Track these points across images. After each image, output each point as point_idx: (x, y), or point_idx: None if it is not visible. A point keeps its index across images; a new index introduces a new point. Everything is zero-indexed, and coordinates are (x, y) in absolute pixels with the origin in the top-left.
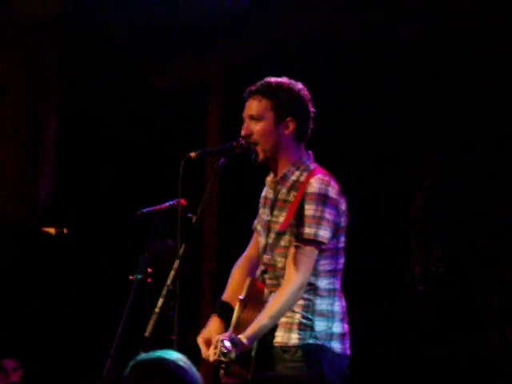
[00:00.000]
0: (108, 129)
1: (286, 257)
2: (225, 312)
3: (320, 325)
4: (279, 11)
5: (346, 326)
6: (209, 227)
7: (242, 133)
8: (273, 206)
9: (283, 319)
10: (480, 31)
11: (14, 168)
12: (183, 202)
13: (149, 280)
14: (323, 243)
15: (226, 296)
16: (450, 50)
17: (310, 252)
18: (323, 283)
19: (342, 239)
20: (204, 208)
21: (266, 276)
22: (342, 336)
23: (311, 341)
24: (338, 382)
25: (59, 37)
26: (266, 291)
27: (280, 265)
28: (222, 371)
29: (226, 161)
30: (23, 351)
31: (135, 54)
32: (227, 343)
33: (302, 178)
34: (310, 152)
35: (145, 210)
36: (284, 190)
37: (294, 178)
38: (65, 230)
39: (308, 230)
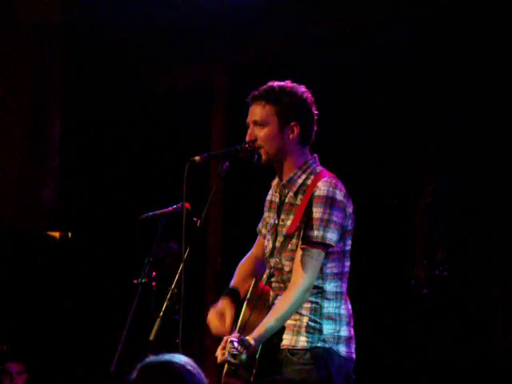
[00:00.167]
0: (112, 132)
1: (292, 260)
2: (234, 296)
3: (328, 328)
4: (284, 14)
5: (352, 329)
6: (213, 231)
7: (247, 139)
8: (279, 209)
9: (290, 322)
10: (480, 32)
11: (18, 172)
12: (188, 205)
13: (153, 284)
14: (330, 246)
15: (234, 284)
16: (453, 51)
17: (317, 255)
18: (330, 286)
19: (349, 242)
20: (208, 212)
21: (273, 279)
22: (349, 339)
23: (319, 344)
24: None
25: (62, 40)
26: (272, 294)
27: (287, 268)
28: (225, 372)
29: (231, 164)
30: (28, 355)
31: (140, 57)
32: (237, 345)
33: (309, 182)
34: (315, 155)
35: (149, 214)
36: (291, 194)
37: (300, 181)
38: (69, 234)
39: (316, 233)
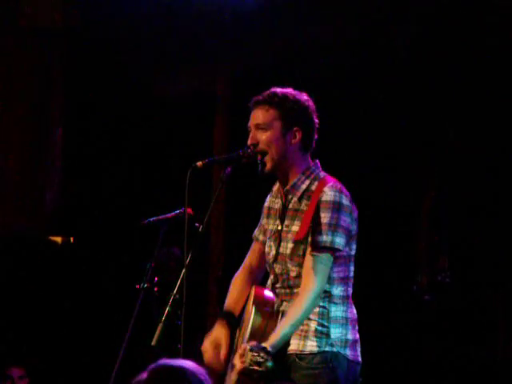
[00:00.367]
0: (114, 137)
1: (300, 265)
2: (229, 320)
3: (335, 332)
4: (285, 17)
5: (357, 333)
6: (215, 236)
7: (249, 142)
8: (283, 215)
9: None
10: (481, 31)
11: (20, 176)
12: (190, 210)
13: (155, 289)
14: (339, 250)
15: (229, 304)
16: (454, 53)
17: (327, 259)
18: (337, 290)
19: (354, 247)
20: (210, 217)
21: (277, 286)
22: (355, 343)
23: (327, 348)
24: None
25: (64, 45)
26: (276, 300)
27: (293, 274)
28: (235, 380)
29: (233, 170)
30: (30, 360)
31: (141, 60)
32: (262, 352)
33: (313, 187)
34: (317, 161)
35: (151, 219)
36: (295, 199)
37: (304, 186)
38: (71, 239)
39: (325, 238)
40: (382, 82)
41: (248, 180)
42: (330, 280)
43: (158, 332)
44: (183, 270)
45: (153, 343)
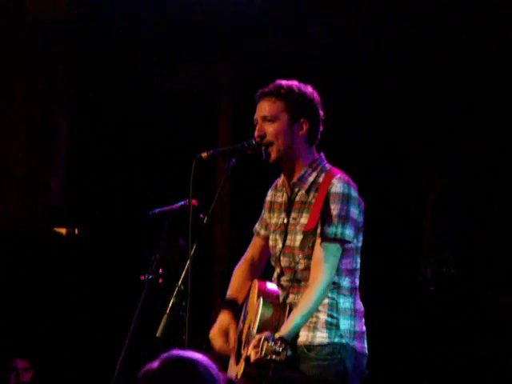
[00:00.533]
0: (119, 130)
1: (309, 258)
2: (233, 309)
3: (344, 323)
4: (290, 14)
5: (364, 325)
6: (220, 227)
7: (256, 134)
8: (289, 208)
9: None
10: (482, 31)
11: (25, 169)
12: (194, 202)
13: (160, 280)
14: (348, 242)
15: (231, 294)
16: (458, 48)
17: (336, 251)
18: (345, 282)
19: (361, 238)
20: (215, 208)
21: (283, 278)
22: (363, 335)
23: (336, 339)
24: (359, 382)
25: (70, 39)
26: (282, 293)
27: (301, 266)
28: (242, 372)
29: (238, 161)
30: (34, 352)
31: (146, 56)
32: (280, 343)
33: (321, 179)
34: (322, 153)
35: (156, 211)
36: (302, 192)
37: (311, 179)
38: (76, 231)
39: (335, 230)
40: (383, 75)
41: (253, 171)
42: (338, 272)
43: (162, 323)
44: (188, 262)
45: (157, 334)
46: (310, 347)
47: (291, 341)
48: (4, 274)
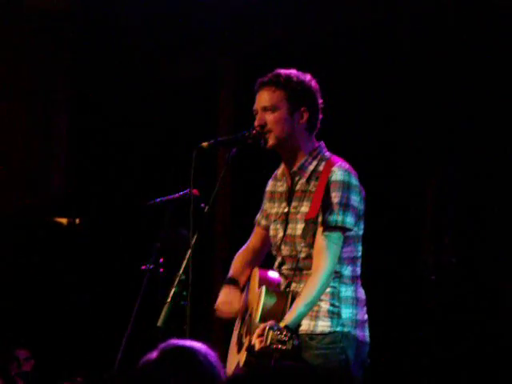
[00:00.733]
0: (120, 119)
1: (310, 246)
2: (235, 285)
3: (346, 312)
4: (290, 3)
5: (366, 314)
6: (221, 217)
7: (256, 123)
8: (290, 197)
9: None
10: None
11: (26, 159)
12: (195, 191)
13: (161, 270)
14: (350, 230)
15: (232, 274)
16: (459, 45)
17: (338, 239)
18: (347, 271)
19: (362, 226)
20: (216, 198)
21: (285, 267)
22: (365, 323)
23: (338, 328)
24: (361, 370)
25: (71, 31)
26: (283, 282)
27: (303, 255)
28: (244, 360)
29: (238, 150)
30: (35, 341)
31: (147, 44)
32: (285, 332)
33: (321, 168)
34: (322, 142)
35: (157, 200)
36: (303, 181)
37: (311, 167)
38: (77, 221)
39: (336, 217)
40: (384, 69)
41: (254, 160)
42: (339, 260)
43: (163, 313)
44: (189, 251)
45: (159, 324)
46: (311, 336)
47: (295, 330)
48: (5, 264)
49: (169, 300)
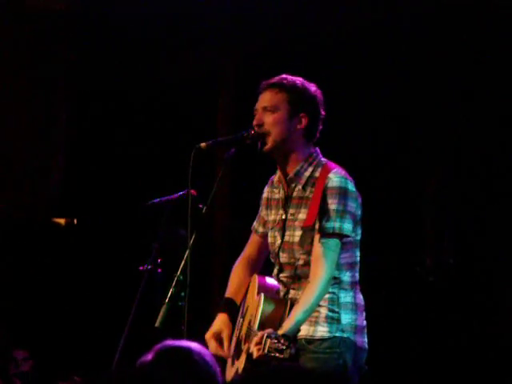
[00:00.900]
0: (119, 119)
1: (308, 253)
2: (231, 309)
3: (346, 318)
4: (291, 3)
5: (365, 320)
6: (219, 217)
7: (254, 122)
8: (286, 204)
9: None
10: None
11: (24, 159)
12: (193, 192)
13: (159, 270)
14: (347, 236)
15: (230, 293)
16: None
17: (335, 246)
18: (346, 276)
19: (359, 232)
20: (214, 198)
21: (283, 275)
22: (363, 329)
23: (338, 334)
24: (357, 376)
25: (71, 28)
26: (282, 289)
27: (301, 262)
28: (243, 366)
29: (237, 151)
30: (34, 342)
31: (147, 43)
32: (283, 340)
33: (317, 174)
34: (317, 148)
35: (155, 201)
36: (299, 187)
37: (307, 174)
38: (75, 221)
39: (333, 224)
40: (384, 69)
41: (253, 161)
42: (338, 266)
43: (161, 313)
44: (187, 251)
45: (157, 325)
46: (310, 340)
47: (293, 337)
48: (3, 265)
49: (167, 301)
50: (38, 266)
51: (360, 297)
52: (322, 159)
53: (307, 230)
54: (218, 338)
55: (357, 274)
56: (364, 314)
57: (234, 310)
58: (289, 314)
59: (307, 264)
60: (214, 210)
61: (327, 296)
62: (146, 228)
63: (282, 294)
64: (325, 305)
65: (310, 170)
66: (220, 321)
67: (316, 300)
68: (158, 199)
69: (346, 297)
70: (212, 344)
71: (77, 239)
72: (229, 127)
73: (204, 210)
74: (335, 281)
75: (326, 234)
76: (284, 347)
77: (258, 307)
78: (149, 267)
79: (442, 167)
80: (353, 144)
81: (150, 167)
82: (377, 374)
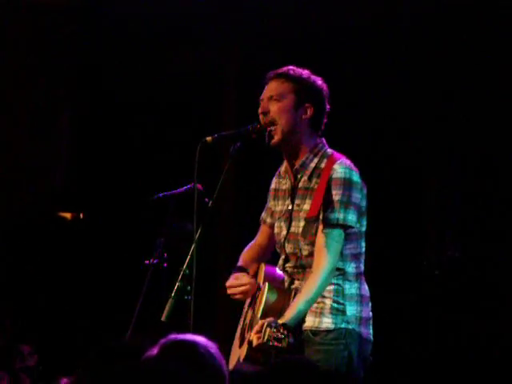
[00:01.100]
0: (124, 113)
1: (312, 244)
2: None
3: (351, 309)
4: (291, 3)
5: (370, 311)
6: (225, 211)
7: (260, 110)
8: (293, 194)
9: (313, 305)
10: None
11: (29, 153)
12: (200, 186)
13: (165, 265)
14: (351, 227)
15: (241, 264)
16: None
17: (339, 236)
18: (350, 267)
19: (364, 223)
20: (221, 192)
21: (288, 265)
22: (369, 320)
23: (343, 325)
24: (362, 368)
25: (75, 23)
26: (287, 279)
27: (305, 252)
28: (245, 355)
29: (242, 145)
30: (39, 336)
31: (151, 38)
32: (282, 329)
33: (323, 165)
34: (323, 139)
35: (161, 195)
36: (305, 178)
37: (313, 165)
38: (81, 215)
39: (337, 215)
40: (382, 64)
41: (259, 155)
42: (343, 257)
43: (167, 307)
44: (193, 245)
45: (163, 318)
46: (315, 331)
47: (294, 327)
48: (9, 259)
49: (173, 294)
50: (43, 261)
51: (365, 288)
52: (328, 150)
53: (311, 221)
54: (239, 283)
55: (361, 265)
56: (370, 304)
57: (247, 273)
58: None
59: (311, 255)
60: (219, 203)
61: (332, 287)
62: (152, 222)
63: (286, 284)
64: (330, 296)
65: (316, 160)
66: (237, 275)
67: (318, 290)
68: (164, 193)
69: (350, 288)
70: (235, 282)
71: (83, 233)
72: (233, 121)
73: (210, 205)
74: (340, 272)
75: (329, 224)
76: (283, 336)
77: (262, 296)
78: (155, 261)
79: (447, 160)
80: (354, 143)
81: (157, 161)
82: (382, 365)
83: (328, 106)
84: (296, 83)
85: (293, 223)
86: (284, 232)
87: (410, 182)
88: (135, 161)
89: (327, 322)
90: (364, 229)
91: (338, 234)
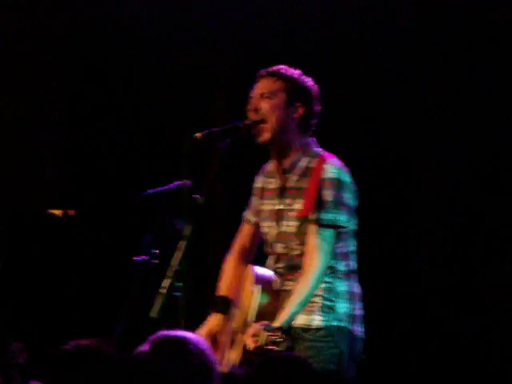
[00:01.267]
0: (115, 110)
1: (303, 244)
2: (225, 306)
3: (342, 307)
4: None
5: (362, 309)
6: (215, 208)
7: (250, 107)
8: (282, 194)
9: None
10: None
11: (21, 151)
12: (189, 183)
13: (155, 261)
14: (343, 227)
15: (223, 289)
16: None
17: (330, 237)
18: (341, 265)
19: (355, 222)
20: (210, 189)
21: (278, 265)
22: (361, 318)
23: (334, 323)
24: (353, 365)
25: (68, 17)
26: (278, 279)
27: (297, 252)
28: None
29: (232, 141)
30: (28, 334)
31: (142, 39)
32: (278, 332)
33: (313, 164)
34: (314, 138)
35: (151, 191)
36: (294, 178)
37: (303, 164)
38: (71, 212)
39: (328, 216)
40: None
41: (248, 151)
42: (334, 256)
43: (157, 304)
44: (183, 242)
45: (152, 315)
46: (306, 329)
47: (289, 329)
48: None
49: (163, 291)
50: (34, 258)
51: (357, 285)
52: (318, 150)
53: (302, 221)
54: (212, 338)
55: (352, 263)
56: (361, 302)
57: (226, 306)
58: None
59: (303, 255)
60: (209, 200)
61: (323, 285)
62: (141, 219)
63: (277, 284)
64: (321, 294)
65: (306, 160)
66: (213, 321)
67: (310, 291)
68: (154, 190)
69: (341, 286)
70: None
71: (73, 230)
72: (224, 118)
73: (200, 201)
74: (331, 270)
75: (321, 224)
76: (280, 340)
77: (254, 299)
78: (144, 258)
79: (440, 157)
80: (352, 140)
81: (146, 157)
82: (375, 363)
83: (319, 107)
84: (288, 82)
85: (283, 223)
86: (274, 232)
87: (402, 177)
88: (126, 157)
89: (318, 320)
90: (354, 227)
91: (329, 234)
